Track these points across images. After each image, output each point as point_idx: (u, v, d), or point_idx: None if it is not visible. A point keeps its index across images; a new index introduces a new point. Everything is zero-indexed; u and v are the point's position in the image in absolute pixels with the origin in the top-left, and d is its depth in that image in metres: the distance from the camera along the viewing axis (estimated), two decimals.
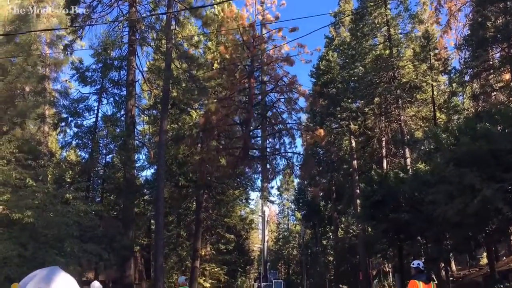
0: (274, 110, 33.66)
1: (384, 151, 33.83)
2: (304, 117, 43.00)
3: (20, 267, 13.75)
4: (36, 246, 14.81)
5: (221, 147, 33.58)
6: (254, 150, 34.90)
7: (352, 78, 34.78)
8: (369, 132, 34.69)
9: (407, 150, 30.69)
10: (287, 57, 32.13)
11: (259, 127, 34.03)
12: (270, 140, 34.33)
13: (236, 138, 33.77)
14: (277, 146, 34.18)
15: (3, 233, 14.23)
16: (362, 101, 34.38)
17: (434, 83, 29.81)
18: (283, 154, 34.65)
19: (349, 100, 35.23)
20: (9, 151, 17.38)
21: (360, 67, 33.20)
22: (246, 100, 33.12)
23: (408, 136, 30.60)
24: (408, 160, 30.00)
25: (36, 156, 20.35)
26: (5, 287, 12.55)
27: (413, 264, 9.42)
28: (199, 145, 33.05)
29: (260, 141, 35.13)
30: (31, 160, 18.19)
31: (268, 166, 34.44)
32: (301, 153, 38.27)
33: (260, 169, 36.34)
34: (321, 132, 31.51)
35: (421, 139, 28.92)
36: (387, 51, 31.35)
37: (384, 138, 33.56)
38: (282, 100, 33.07)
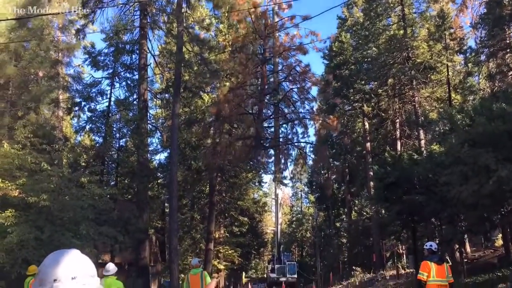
0: (287, 100, 33.44)
1: (398, 133, 33.52)
2: (316, 106, 42.83)
3: (37, 249, 14.01)
4: (52, 229, 15.04)
5: (233, 135, 33.44)
6: (267, 140, 34.81)
7: (365, 59, 34.32)
8: (383, 114, 34.35)
9: (421, 131, 30.36)
10: (300, 46, 31.64)
11: (271, 117, 33.81)
12: (282, 129, 34.20)
13: (249, 127, 33.64)
14: (290, 136, 34.07)
15: (19, 217, 14.46)
16: (376, 83, 33.98)
17: (449, 63, 29.27)
18: (295, 144, 34.55)
19: (362, 82, 34.85)
20: (24, 135, 17.61)
21: (374, 48, 32.72)
22: (258, 89, 32.92)
23: (422, 118, 30.23)
24: (422, 142, 29.69)
25: (51, 140, 20.59)
26: (22, 269, 12.82)
27: (426, 245, 9.44)
28: (211, 128, 33.09)
29: (272, 131, 35.05)
30: (46, 144, 18.43)
31: (280, 156, 34.37)
32: (314, 142, 38.11)
33: (272, 158, 36.39)
34: (334, 120, 31.23)
35: (436, 120, 28.53)
36: (401, 31, 30.80)
37: (398, 120, 33.22)
38: (295, 89, 32.83)
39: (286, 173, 45.45)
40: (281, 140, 33.54)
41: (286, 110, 33.71)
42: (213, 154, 30.58)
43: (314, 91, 65.02)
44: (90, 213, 16.46)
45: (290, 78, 31.57)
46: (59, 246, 14.53)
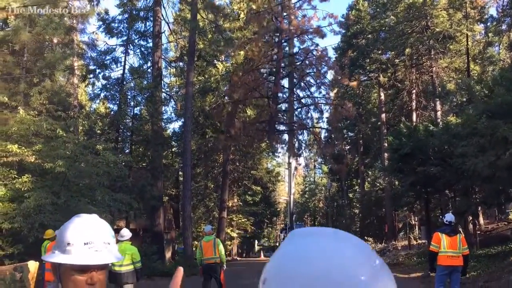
0: (302, 84, 32.99)
1: (413, 104, 33.06)
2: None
3: (53, 214, 14.27)
4: (68, 195, 15.28)
5: (247, 118, 33.18)
6: (281, 124, 34.56)
7: (383, 28, 33.59)
8: (399, 85, 33.83)
9: (438, 102, 29.90)
10: (317, 29, 30.98)
11: (286, 101, 33.38)
12: (297, 113, 33.86)
13: (263, 111, 33.33)
14: (305, 120, 33.83)
15: (36, 182, 14.68)
16: (393, 52, 33.35)
17: (469, 33, 28.48)
18: (310, 128, 34.30)
19: (379, 51, 34.20)
20: (39, 102, 17.71)
21: (392, 17, 31.96)
22: (273, 72, 32.45)
23: (439, 88, 29.70)
24: (439, 113, 29.30)
25: (66, 107, 20.72)
26: (39, 234, 13.10)
27: (444, 217, 9.46)
28: (225, 97, 33.00)
29: (287, 115, 34.72)
30: (61, 111, 18.51)
31: (294, 140, 34.22)
32: (329, 128, 37.79)
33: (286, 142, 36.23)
34: (349, 105, 30.85)
35: (453, 91, 28.06)
36: None
37: (414, 91, 32.72)
38: (311, 73, 32.28)
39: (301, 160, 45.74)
40: (295, 125, 33.30)
41: (301, 94, 33.36)
42: (227, 137, 30.51)
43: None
44: (105, 179, 16.64)
45: (307, 61, 31.00)
46: (75, 211, 14.70)
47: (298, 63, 32.00)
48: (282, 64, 32.35)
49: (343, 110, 30.73)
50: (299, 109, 33.57)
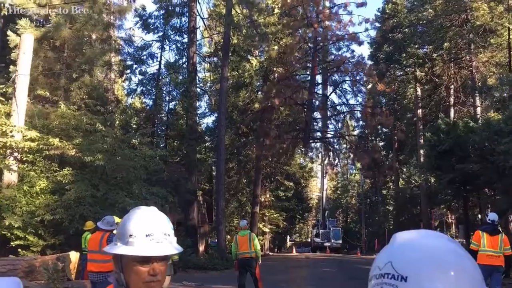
0: (338, 91, 32.58)
1: (451, 99, 32.23)
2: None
3: (93, 206, 14.65)
4: (106, 188, 15.65)
5: (281, 126, 33.01)
6: (315, 132, 34.24)
7: (420, 22, 32.78)
8: (437, 80, 33.01)
9: (477, 98, 29.02)
10: (353, 35, 30.39)
11: (321, 108, 32.93)
12: (332, 121, 33.47)
13: (296, 119, 33.09)
14: (340, 129, 33.41)
15: (76, 175, 15.09)
16: (430, 47, 32.50)
17: (511, 26, 27.54)
18: (346, 137, 33.83)
19: (416, 46, 33.42)
20: (79, 97, 18.17)
21: (430, 10, 31.13)
22: (307, 79, 32.07)
23: (479, 84, 28.83)
24: (478, 109, 28.45)
25: (104, 102, 21.16)
26: (80, 225, 13.46)
27: (487, 215, 9.32)
28: (259, 92, 33.00)
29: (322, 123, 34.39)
30: (99, 106, 18.94)
31: (330, 150, 33.91)
32: (365, 135, 37.28)
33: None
34: (387, 114, 30.24)
35: (495, 86, 27.18)
36: None
37: (452, 86, 31.87)
38: (347, 81, 31.80)
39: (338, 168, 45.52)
40: (330, 133, 32.88)
41: (336, 101, 32.89)
42: (262, 146, 30.40)
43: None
44: (142, 173, 16.95)
45: (342, 68, 30.46)
46: (113, 204, 15.14)
47: (333, 70, 31.50)
48: (317, 71, 32.05)
49: (381, 119, 30.13)
50: (334, 117, 33.15)
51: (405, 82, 37.67)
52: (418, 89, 35.10)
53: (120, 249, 1.55)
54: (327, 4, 31.40)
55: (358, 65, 30.24)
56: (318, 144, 36.12)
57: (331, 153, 34.30)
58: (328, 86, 32.86)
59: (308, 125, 30.72)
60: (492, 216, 8.96)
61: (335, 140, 34.26)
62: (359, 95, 32.45)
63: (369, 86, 33.71)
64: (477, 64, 29.26)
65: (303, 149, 36.17)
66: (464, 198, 20.93)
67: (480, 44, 28.91)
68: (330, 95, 32.54)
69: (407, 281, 0.76)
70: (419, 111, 35.05)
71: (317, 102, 32.45)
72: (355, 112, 32.87)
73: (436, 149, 19.49)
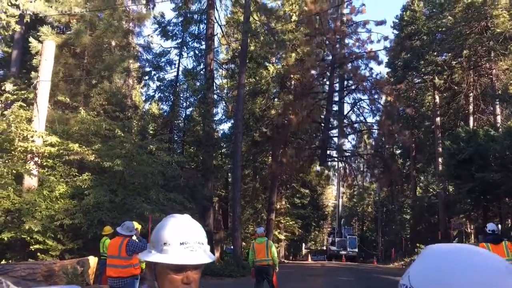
0: (355, 109, 32.49)
1: (471, 107, 31.80)
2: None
3: (111, 212, 14.74)
4: (124, 193, 15.75)
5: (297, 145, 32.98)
6: (333, 149, 34.16)
7: (439, 29, 32.49)
8: (455, 87, 32.63)
9: (497, 106, 28.61)
10: (373, 54, 30.25)
11: (337, 127, 32.80)
12: (349, 141, 33.37)
13: (313, 137, 33.03)
14: (357, 147, 33.25)
15: (95, 180, 15.22)
16: (449, 54, 32.18)
17: None
18: (362, 155, 33.61)
19: (435, 53, 33.12)
20: (99, 103, 18.38)
21: (449, 17, 30.84)
22: (324, 97, 31.99)
23: (500, 92, 28.42)
24: (499, 118, 28.04)
25: (123, 108, 21.37)
26: (98, 230, 13.56)
27: (485, 226, 9.37)
28: (275, 100, 33.00)
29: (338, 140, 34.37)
30: (118, 112, 19.12)
31: (346, 168, 33.76)
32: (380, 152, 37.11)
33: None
34: (406, 136, 29.96)
35: None
36: None
37: (471, 94, 31.46)
38: (366, 100, 31.71)
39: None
40: (348, 152, 32.66)
41: (353, 119, 32.78)
42: (278, 166, 30.37)
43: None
44: (160, 179, 17.03)
45: (360, 86, 30.33)
46: (131, 209, 15.23)
47: (351, 88, 31.39)
48: (334, 89, 32.03)
49: (399, 138, 29.95)
50: (351, 135, 33.06)
51: (423, 89, 37.33)
52: (437, 97, 34.74)
53: (154, 256, 1.55)
54: (345, 18, 31.40)
55: (377, 83, 30.11)
56: (334, 162, 35.97)
57: (347, 170, 34.12)
58: (346, 104, 32.85)
59: (325, 143, 30.59)
60: (491, 226, 9.00)
61: (352, 159, 34.06)
62: (377, 114, 32.32)
63: (383, 100, 33.44)
64: (497, 72, 28.87)
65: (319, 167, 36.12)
66: (484, 208, 20.60)
67: (500, 52, 28.52)
68: (348, 113, 32.47)
69: None
70: (438, 119, 34.66)
71: (335, 122, 32.46)
72: (373, 131, 32.71)
73: (456, 157, 19.24)
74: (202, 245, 1.58)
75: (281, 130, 30.71)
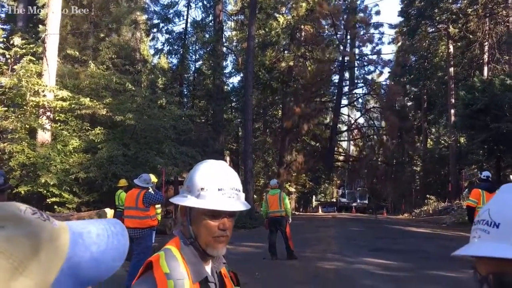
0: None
1: (485, 56, 31.03)
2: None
3: (124, 165, 14.86)
4: (137, 147, 15.82)
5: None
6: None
7: None
8: (470, 36, 31.72)
9: None
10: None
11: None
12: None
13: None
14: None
15: (107, 134, 15.26)
16: (465, 1, 31.15)
17: None
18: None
19: (450, 0, 32.03)
20: (108, 56, 18.14)
21: None
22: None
23: None
24: None
25: (132, 62, 21.13)
26: (113, 183, 13.71)
27: (480, 173, 9.46)
28: (285, 51, 32.47)
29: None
30: (128, 65, 18.91)
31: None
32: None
33: None
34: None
35: None
36: None
37: (487, 43, 30.62)
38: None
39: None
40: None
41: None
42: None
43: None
44: (171, 133, 17.04)
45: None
46: (144, 162, 15.34)
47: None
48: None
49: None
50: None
51: (437, 39, 36.42)
52: (451, 46, 33.89)
53: (190, 201, 1.51)
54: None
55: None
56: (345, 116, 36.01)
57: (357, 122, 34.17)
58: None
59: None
60: (486, 173, 9.12)
61: (362, 111, 33.92)
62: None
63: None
64: None
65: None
66: (497, 158, 20.47)
67: None
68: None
69: (498, 228, 0.80)
70: (451, 69, 33.96)
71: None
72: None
73: (470, 107, 18.94)
74: (238, 192, 1.56)
75: (292, 83, 30.53)
